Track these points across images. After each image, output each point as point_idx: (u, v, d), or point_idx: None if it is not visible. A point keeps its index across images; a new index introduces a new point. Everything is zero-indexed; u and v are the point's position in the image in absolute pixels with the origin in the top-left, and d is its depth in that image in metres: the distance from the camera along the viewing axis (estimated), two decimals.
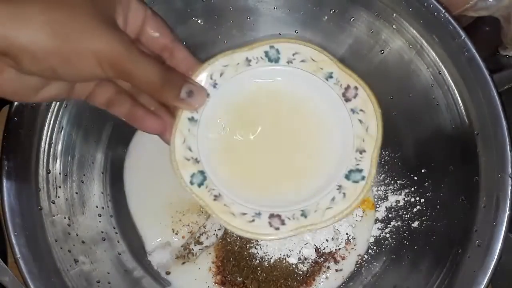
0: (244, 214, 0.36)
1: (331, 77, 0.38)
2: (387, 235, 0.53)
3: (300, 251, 0.51)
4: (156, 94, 0.34)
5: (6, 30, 0.27)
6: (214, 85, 0.38)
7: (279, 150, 0.39)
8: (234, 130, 0.39)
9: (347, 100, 0.38)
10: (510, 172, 0.42)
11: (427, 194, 0.51)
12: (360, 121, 0.37)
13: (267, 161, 0.39)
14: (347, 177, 0.37)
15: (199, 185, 0.36)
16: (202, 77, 0.37)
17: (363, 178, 0.37)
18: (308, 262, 0.52)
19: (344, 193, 0.36)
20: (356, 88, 0.38)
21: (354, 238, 0.53)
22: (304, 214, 0.36)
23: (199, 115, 0.37)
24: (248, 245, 0.52)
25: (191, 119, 0.37)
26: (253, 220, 0.35)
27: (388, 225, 0.53)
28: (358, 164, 0.37)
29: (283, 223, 0.35)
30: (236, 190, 0.37)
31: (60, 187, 0.47)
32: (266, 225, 0.35)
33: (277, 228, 0.35)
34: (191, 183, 0.36)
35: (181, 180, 0.36)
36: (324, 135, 0.39)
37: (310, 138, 0.39)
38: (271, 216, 0.36)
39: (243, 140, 0.39)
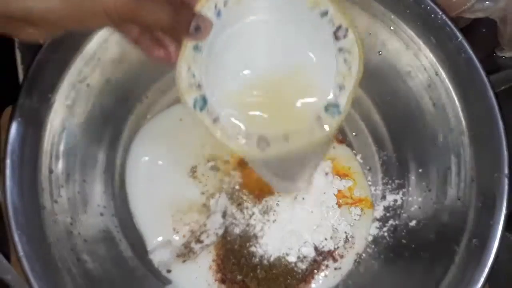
0: (238, 135, 0.40)
1: (326, 14, 0.39)
2: (385, 234, 0.53)
3: (299, 250, 0.52)
4: (166, 32, 0.36)
5: (25, 1, 0.29)
6: (218, 14, 0.39)
7: (271, 78, 0.41)
8: (233, 58, 0.41)
9: (337, 38, 0.39)
10: (506, 172, 0.43)
11: (425, 194, 0.51)
12: (345, 60, 0.40)
13: (259, 88, 0.42)
14: (325, 109, 0.40)
15: (201, 109, 0.40)
16: (207, 7, 0.38)
17: (339, 112, 0.40)
18: (307, 261, 0.52)
19: (321, 125, 0.40)
20: (346, 29, 0.39)
21: (353, 237, 0.53)
22: (285, 138, 0.41)
23: (203, 43, 0.39)
24: (247, 244, 0.52)
25: (196, 48, 0.39)
26: (244, 141, 0.40)
27: (386, 224, 0.54)
28: (336, 99, 0.40)
29: (268, 145, 0.40)
30: (232, 114, 0.41)
31: (62, 187, 0.47)
32: (255, 145, 0.40)
33: (263, 149, 0.40)
34: (194, 107, 0.40)
35: (187, 106, 0.39)
36: (311, 69, 0.41)
37: (299, 70, 0.41)
38: (260, 138, 0.40)
39: (240, 68, 0.41)
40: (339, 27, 0.39)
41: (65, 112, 0.47)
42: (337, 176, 0.55)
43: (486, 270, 0.41)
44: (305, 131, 0.40)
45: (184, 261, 0.52)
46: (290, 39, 0.41)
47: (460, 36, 0.45)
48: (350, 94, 0.40)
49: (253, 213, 0.53)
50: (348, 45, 0.39)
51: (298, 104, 0.41)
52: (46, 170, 0.46)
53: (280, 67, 0.41)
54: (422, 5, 0.45)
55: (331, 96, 0.40)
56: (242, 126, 0.41)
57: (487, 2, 0.53)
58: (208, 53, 0.39)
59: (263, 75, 0.41)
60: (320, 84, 0.40)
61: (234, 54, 0.41)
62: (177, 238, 0.52)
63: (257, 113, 0.41)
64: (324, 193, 0.54)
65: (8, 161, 0.43)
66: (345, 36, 0.39)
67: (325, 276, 0.52)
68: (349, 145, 0.57)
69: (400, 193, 0.54)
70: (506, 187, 0.42)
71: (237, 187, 0.54)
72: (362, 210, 0.54)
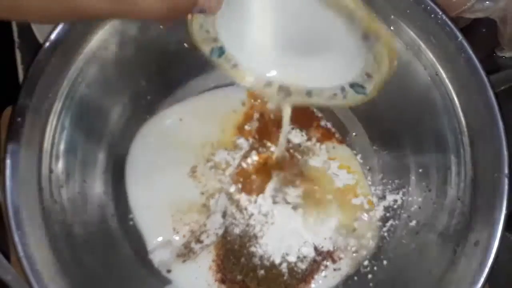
0: (260, 81, 0.40)
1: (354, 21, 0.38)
2: (385, 234, 0.53)
3: (299, 250, 0.52)
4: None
5: None
6: None
7: (299, 42, 0.40)
8: (251, 16, 0.39)
9: (367, 40, 0.38)
10: (506, 172, 0.43)
11: (425, 194, 0.51)
12: (375, 58, 0.39)
13: (286, 41, 0.40)
14: (351, 85, 0.40)
15: (219, 56, 0.39)
16: None
17: (363, 93, 0.40)
18: (307, 261, 0.52)
19: (344, 95, 0.40)
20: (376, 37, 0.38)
21: (353, 237, 0.53)
22: (309, 94, 0.40)
23: None
24: (247, 244, 0.52)
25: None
26: (264, 87, 0.40)
27: (386, 224, 0.53)
28: (363, 82, 0.40)
29: (289, 94, 0.40)
30: (252, 62, 0.40)
31: (62, 187, 0.47)
32: (275, 93, 0.40)
33: (283, 98, 0.40)
34: (211, 55, 0.39)
35: (204, 53, 0.39)
36: (339, 48, 0.40)
37: (328, 43, 0.40)
38: (281, 87, 0.40)
39: (262, 24, 0.39)
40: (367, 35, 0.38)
41: (65, 112, 0.47)
42: (336, 174, 0.55)
43: (486, 270, 0.42)
44: (327, 93, 0.40)
45: (184, 261, 0.52)
46: (319, 18, 0.38)
47: (460, 36, 0.45)
48: (377, 84, 0.39)
49: (252, 214, 0.53)
50: (378, 48, 0.38)
51: (326, 69, 0.40)
52: (46, 170, 0.46)
53: (308, 35, 0.39)
54: (422, 5, 0.45)
55: (358, 78, 0.39)
56: (264, 74, 0.39)
57: (487, 2, 0.53)
58: (225, 9, 0.36)
59: (289, 37, 0.39)
60: (349, 63, 0.39)
61: (256, 12, 0.38)
62: (177, 238, 0.52)
63: (283, 63, 0.40)
64: (323, 193, 0.54)
65: (8, 161, 0.43)
66: (375, 41, 0.38)
67: (325, 276, 0.52)
68: (349, 145, 0.57)
69: (400, 193, 0.54)
70: (506, 187, 0.42)
71: (241, 186, 0.54)
72: (362, 209, 0.54)
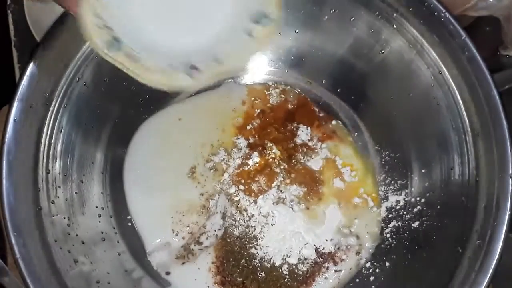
0: (164, 71, 0.38)
1: None
2: (388, 235, 0.53)
3: (300, 251, 0.51)
4: None
5: None
6: None
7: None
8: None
9: None
10: (510, 172, 0.42)
11: (428, 194, 0.51)
12: None
13: (172, 12, 0.39)
14: (256, 22, 0.38)
15: (117, 50, 0.37)
16: None
17: (271, 21, 0.38)
18: (308, 263, 0.52)
19: (254, 38, 0.39)
20: None
21: (355, 238, 0.53)
22: (219, 62, 0.39)
23: None
24: (248, 246, 0.52)
25: None
26: (172, 75, 0.38)
27: (389, 225, 0.53)
28: (261, 8, 0.38)
29: (201, 73, 0.39)
30: (151, 47, 0.38)
31: (59, 187, 0.47)
32: (186, 77, 0.38)
33: (195, 77, 0.38)
34: (109, 49, 0.37)
35: (98, 50, 0.37)
36: None
37: None
38: (189, 68, 0.38)
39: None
40: None
41: (62, 112, 0.47)
42: (339, 172, 0.54)
43: (490, 271, 0.41)
44: (238, 49, 0.39)
45: (183, 263, 0.51)
46: None
47: (463, 34, 0.44)
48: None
49: (252, 215, 0.52)
50: None
51: (221, 23, 0.39)
52: (43, 170, 0.46)
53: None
54: (425, 3, 0.45)
55: (256, 7, 0.38)
56: (165, 58, 0.38)
57: (491, 0, 0.53)
58: None
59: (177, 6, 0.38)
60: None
61: None
62: (176, 239, 0.52)
63: (178, 39, 0.39)
64: (325, 194, 0.53)
65: (4, 162, 0.42)
66: None
67: (326, 278, 0.52)
68: (351, 145, 0.57)
69: (403, 194, 0.53)
70: (510, 188, 0.42)
71: (241, 187, 0.53)
72: (365, 208, 0.54)
